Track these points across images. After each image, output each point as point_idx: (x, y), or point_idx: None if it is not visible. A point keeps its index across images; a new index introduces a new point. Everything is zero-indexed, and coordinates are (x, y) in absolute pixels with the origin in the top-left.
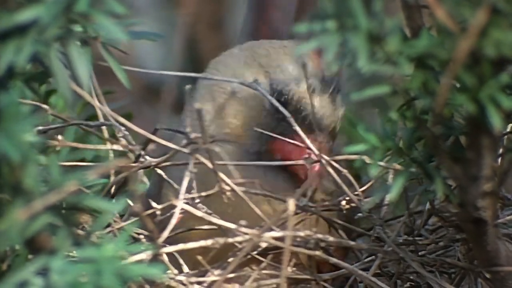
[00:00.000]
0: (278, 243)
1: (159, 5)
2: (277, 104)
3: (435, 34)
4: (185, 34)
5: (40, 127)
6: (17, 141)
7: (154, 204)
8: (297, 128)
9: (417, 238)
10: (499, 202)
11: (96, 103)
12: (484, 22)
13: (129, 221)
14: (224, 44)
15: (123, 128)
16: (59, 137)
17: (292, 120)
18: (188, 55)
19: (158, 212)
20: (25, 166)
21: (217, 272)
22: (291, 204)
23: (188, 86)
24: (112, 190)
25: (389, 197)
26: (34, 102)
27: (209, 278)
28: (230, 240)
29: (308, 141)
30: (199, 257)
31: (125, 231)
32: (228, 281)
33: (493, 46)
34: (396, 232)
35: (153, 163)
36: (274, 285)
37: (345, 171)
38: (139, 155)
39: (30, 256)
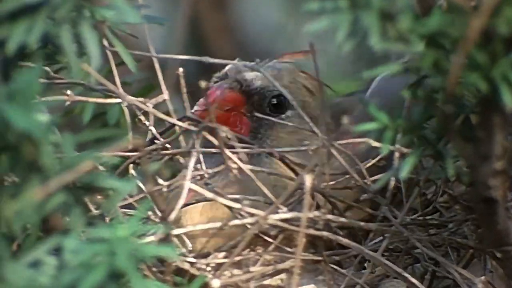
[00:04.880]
0: (288, 226)
1: None
2: (280, 88)
3: (446, 12)
4: (187, 13)
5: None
6: (35, 119)
7: (160, 181)
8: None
9: (427, 217)
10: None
11: (113, 87)
12: (497, 0)
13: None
14: (227, 24)
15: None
16: (68, 91)
17: (296, 105)
18: (191, 35)
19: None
20: (41, 145)
21: (223, 254)
22: (308, 179)
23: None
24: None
25: (400, 176)
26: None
27: (218, 260)
28: (238, 222)
29: None
30: (203, 240)
31: (138, 211)
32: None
33: (506, 24)
34: (403, 213)
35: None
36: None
37: (349, 153)
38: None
39: (42, 236)
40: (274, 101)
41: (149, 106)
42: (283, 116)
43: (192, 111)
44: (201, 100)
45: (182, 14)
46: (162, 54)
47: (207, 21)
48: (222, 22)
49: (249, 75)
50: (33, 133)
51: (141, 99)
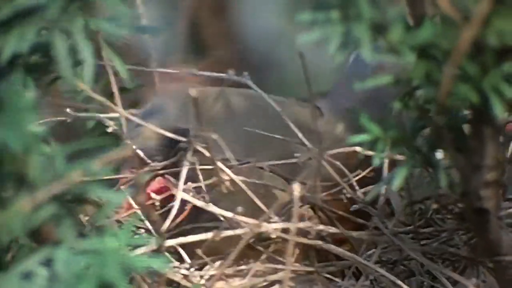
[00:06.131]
0: (279, 234)
1: None
2: (269, 100)
3: (438, 23)
4: (188, 18)
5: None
6: (20, 132)
7: (153, 195)
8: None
9: (420, 230)
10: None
11: (104, 100)
12: (487, 11)
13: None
14: (227, 28)
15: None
16: (68, 110)
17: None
18: (191, 39)
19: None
20: (28, 157)
21: (217, 264)
22: (297, 189)
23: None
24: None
25: (392, 187)
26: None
27: (210, 272)
28: (231, 232)
29: None
30: (198, 251)
31: (129, 223)
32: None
33: (496, 36)
34: (393, 222)
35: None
36: (278, 278)
37: (338, 163)
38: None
39: (34, 247)
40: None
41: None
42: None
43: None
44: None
45: (182, 20)
46: (163, 59)
47: (207, 27)
48: (221, 28)
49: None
50: (19, 147)
51: None
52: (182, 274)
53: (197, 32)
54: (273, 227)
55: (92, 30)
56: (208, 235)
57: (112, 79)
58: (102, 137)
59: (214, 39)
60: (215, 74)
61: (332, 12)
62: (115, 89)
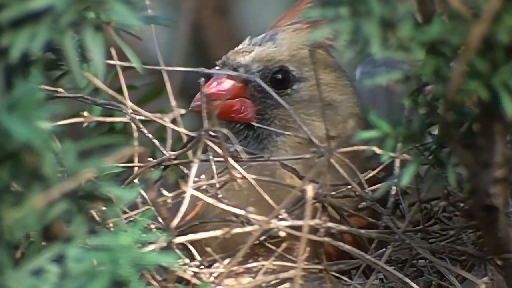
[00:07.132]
0: (290, 231)
1: None
2: (275, 95)
3: (447, 19)
4: (190, 19)
5: None
6: (36, 129)
7: (165, 192)
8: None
9: (429, 228)
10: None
11: (113, 93)
12: (497, 8)
13: (143, 210)
14: (229, 30)
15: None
16: (85, 113)
17: (292, 112)
18: (193, 40)
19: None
20: (43, 154)
21: (226, 261)
22: (310, 189)
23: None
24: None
25: (400, 184)
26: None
27: (219, 270)
28: (240, 230)
29: None
30: (208, 249)
31: (140, 220)
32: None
33: (506, 32)
34: (406, 222)
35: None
36: (290, 276)
37: (347, 160)
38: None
39: (44, 244)
40: (279, 76)
41: (166, 120)
42: (288, 90)
43: (190, 107)
44: (198, 95)
45: (184, 20)
46: (165, 60)
47: (209, 27)
48: (224, 28)
49: (245, 60)
50: (34, 142)
51: (158, 114)
52: (192, 271)
53: (199, 33)
54: (284, 224)
55: (103, 20)
56: (218, 233)
57: (121, 75)
58: (111, 135)
59: (216, 39)
60: (225, 72)
61: (342, 9)
62: (123, 85)
